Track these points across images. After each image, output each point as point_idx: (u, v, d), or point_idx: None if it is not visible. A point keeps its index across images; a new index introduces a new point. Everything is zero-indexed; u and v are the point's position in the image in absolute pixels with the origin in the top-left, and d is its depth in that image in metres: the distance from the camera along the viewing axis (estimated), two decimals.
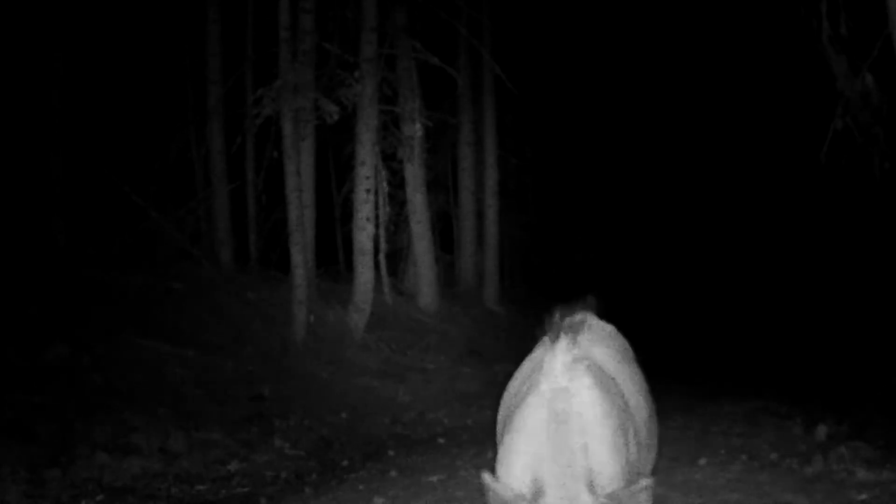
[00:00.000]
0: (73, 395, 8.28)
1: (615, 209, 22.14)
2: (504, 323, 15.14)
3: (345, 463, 8.14)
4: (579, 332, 3.06)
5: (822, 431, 7.83)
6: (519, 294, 17.48)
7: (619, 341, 3.71)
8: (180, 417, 8.40)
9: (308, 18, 11.82)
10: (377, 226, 12.85)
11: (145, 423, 7.99)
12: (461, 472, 7.36)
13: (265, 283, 12.55)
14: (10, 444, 7.17)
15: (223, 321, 11.13)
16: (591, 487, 2.68)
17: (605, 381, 3.05)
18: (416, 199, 14.15)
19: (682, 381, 11.34)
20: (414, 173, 14.12)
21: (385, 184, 13.17)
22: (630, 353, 3.72)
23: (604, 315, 3.80)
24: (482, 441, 7.70)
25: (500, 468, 2.85)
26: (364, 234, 12.26)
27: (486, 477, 2.74)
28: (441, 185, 16.36)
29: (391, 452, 8.49)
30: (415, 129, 13.71)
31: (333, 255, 15.12)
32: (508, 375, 3.47)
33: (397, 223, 14.61)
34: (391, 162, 13.90)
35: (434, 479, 7.19)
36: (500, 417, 3.33)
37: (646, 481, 2.70)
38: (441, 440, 9.09)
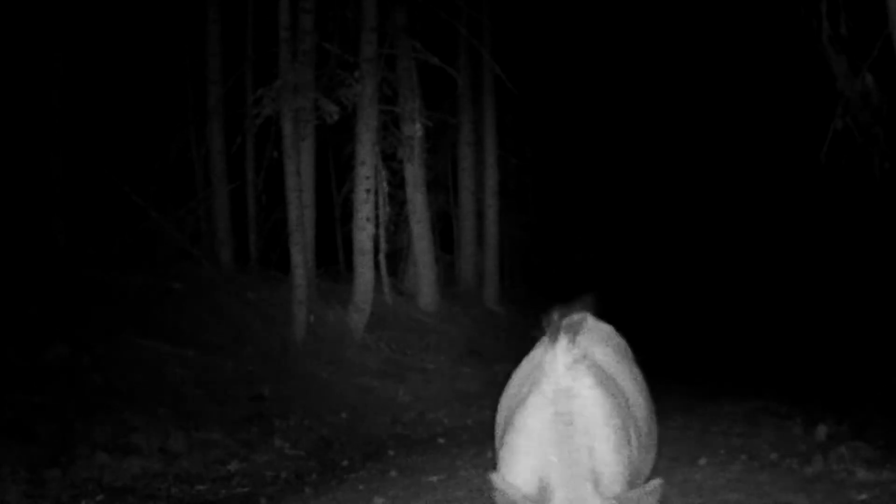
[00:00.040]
0: (73, 395, 8.29)
1: (615, 209, 22.14)
2: (504, 323, 15.15)
3: (345, 463, 8.14)
4: (578, 333, 3.06)
5: (822, 431, 7.83)
6: (519, 294, 17.48)
7: (617, 341, 3.71)
8: (180, 417, 8.41)
9: (308, 18, 11.82)
10: (377, 226, 12.85)
11: (145, 423, 7.99)
12: (461, 472, 7.36)
13: (265, 283, 12.56)
14: (10, 444, 7.17)
15: (223, 321, 11.13)
16: (597, 488, 2.68)
17: (606, 382, 3.05)
18: (416, 199, 14.15)
19: (682, 381, 11.35)
20: (414, 173, 14.13)
21: (385, 184, 13.17)
22: (629, 352, 3.72)
23: (603, 315, 3.79)
24: (482, 441, 7.69)
25: (504, 468, 2.85)
26: (364, 234, 12.26)
27: (495, 478, 2.73)
28: (441, 185, 16.36)
29: (391, 452, 8.49)
30: (415, 129, 13.72)
31: (333, 255, 15.12)
32: (508, 375, 3.46)
33: (397, 223, 14.61)
34: (391, 162, 13.90)
35: (434, 479, 7.19)
36: (499, 418, 3.32)
37: (656, 482, 2.70)
38: (441, 440, 9.09)
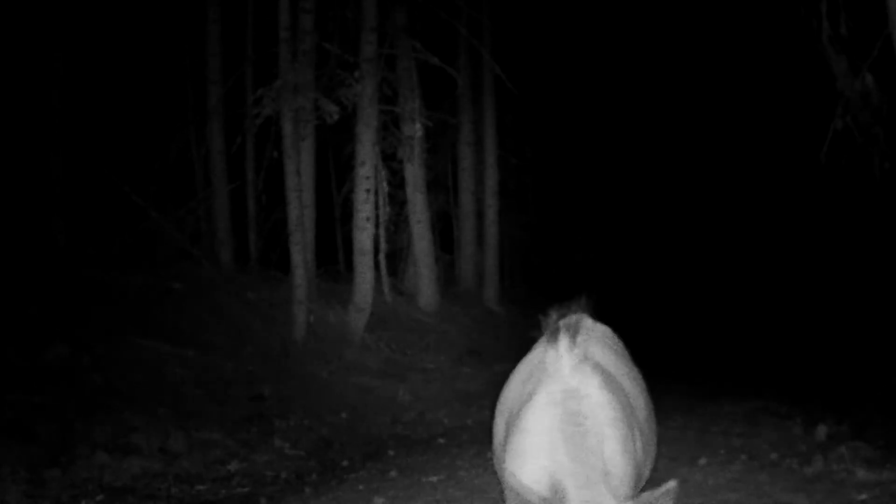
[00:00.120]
0: (73, 395, 8.29)
1: (615, 209, 22.14)
2: (504, 323, 15.14)
3: (345, 463, 8.14)
4: (577, 333, 3.06)
5: (822, 431, 7.83)
6: (519, 294, 17.48)
7: (615, 342, 3.70)
8: (180, 417, 8.41)
9: (308, 18, 11.83)
10: (377, 226, 12.85)
11: (145, 423, 7.99)
12: (461, 472, 7.36)
13: (265, 283, 12.56)
14: (10, 444, 7.17)
15: (223, 321, 11.13)
16: (609, 489, 2.67)
17: (611, 382, 3.05)
18: (416, 199, 14.15)
19: (682, 381, 11.34)
20: (414, 173, 14.13)
21: (385, 184, 13.17)
22: (626, 353, 3.71)
23: (603, 314, 3.79)
24: (482, 441, 7.68)
25: (512, 468, 2.82)
26: (364, 234, 12.26)
27: (511, 478, 2.70)
28: (441, 185, 16.36)
29: (391, 452, 8.49)
30: (415, 129, 13.72)
31: (333, 255, 15.12)
32: (508, 375, 3.46)
33: (397, 223, 14.62)
34: (391, 162, 13.90)
35: (434, 479, 7.19)
36: (499, 420, 3.31)
37: (672, 483, 2.66)
38: (441, 440, 9.09)
